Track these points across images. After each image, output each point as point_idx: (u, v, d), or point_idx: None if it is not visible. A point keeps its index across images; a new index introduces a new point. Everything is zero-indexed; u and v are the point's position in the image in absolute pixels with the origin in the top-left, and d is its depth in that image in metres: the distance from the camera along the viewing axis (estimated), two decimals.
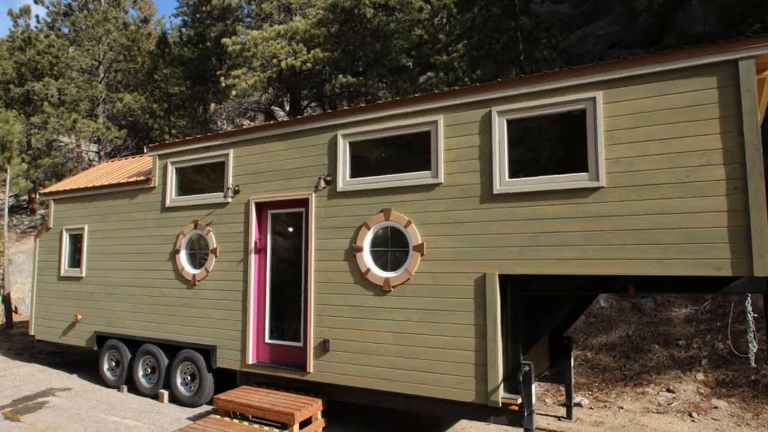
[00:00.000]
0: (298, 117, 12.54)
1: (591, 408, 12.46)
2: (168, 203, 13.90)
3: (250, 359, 12.10)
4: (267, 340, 12.18)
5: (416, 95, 10.64)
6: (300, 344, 11.68)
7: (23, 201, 38.67)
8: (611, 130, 8.53)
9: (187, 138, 14.12)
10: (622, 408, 12.30)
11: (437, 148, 10.05)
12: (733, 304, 14.80)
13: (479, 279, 9.46)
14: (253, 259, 12.30)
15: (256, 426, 10.59)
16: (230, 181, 12.74)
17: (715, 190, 7.83)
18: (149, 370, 13.98)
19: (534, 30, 25.64)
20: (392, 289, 10.34)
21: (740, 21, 21.08)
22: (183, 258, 13.49)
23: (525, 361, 9.27)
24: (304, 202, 11.73)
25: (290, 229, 12.22)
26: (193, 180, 13.75)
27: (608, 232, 8.44)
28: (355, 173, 11.12)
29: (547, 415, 12.15)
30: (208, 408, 12.62)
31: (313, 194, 11.47)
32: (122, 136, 33.53)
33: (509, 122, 9.45)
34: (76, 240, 16.26)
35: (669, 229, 8.05)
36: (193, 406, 12.86)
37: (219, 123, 41.26)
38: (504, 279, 9.44)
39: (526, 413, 9.00)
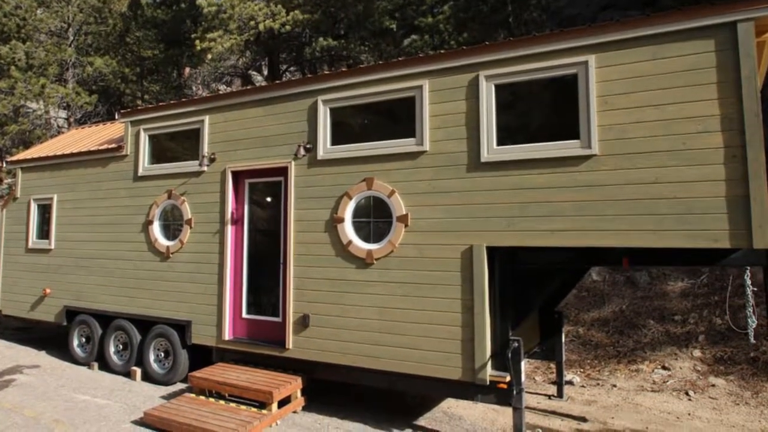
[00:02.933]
0: (277, 82, 12.50)
1: (583, 386, 12.55)
2: (141, 172, 13.82)
3: (227, 335, 12.09)
4: (244, 315, 12.19)
5: (400, 59, 10.60)
6: (279, 319, 11.70)
7: None
8: (604, 96, 8.50)
9: (160, 104, 14.04)
10: (615, 386, 12.38)
11: (422, 114, 10.01)
12: (731, 277, 14.88)
13: (466, 251, 9.45)
14: (229, 230, 12.28)
15: (232, 405, 10.60)
16: (206, 148, 12.67)
17: (712, 159, 7.81)
18: (121, 347, 13.97)
19: None
20: (375, 262, 10.34)
21: None
22: (156, 229, 13.43)
23: (514, 337, 9.31)
24: (283, 171, 11.70)
25: (268, 199, 12.17)
26: (166, 148, 13.68)
27: (601, 202, 8.43)
28: (336, 140, 11.07)
29: (537, 393, 12.21)
30: (183, 386, 12.62)
31: (293, 162, 11.42)
32: (93, 101, 33.07)
33: (497, 87, 9.42)
34: (45, 210, 16.19)
35: (664, 199, 8.04)
36: (166, 384, 12.86)
37: (194, 88, 40.93)
38: (492, 251, 9.43)
39: (515, 391, 9.03)
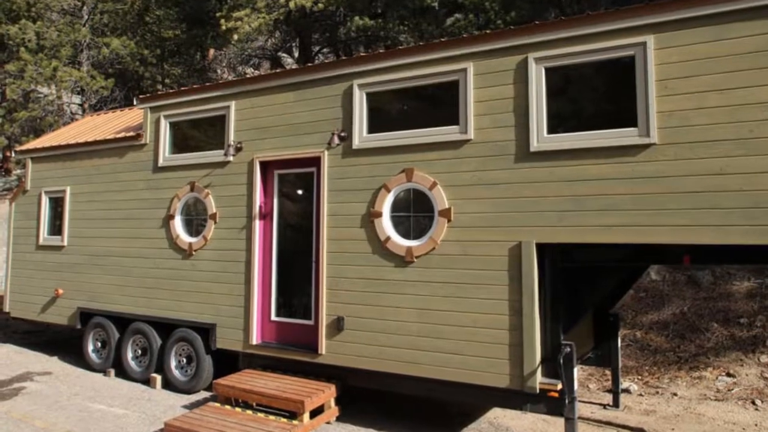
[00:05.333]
0: (309, 65, 12.61)
1: (641, 395, 12.59)
2: (161, 162, 13.96)
3: (254, 339, 12.21)
4: (273, 318, 12.31)
5: (442, 40, 10.70)
6: (310, 322, 11.81)
7: None
8: (664, 80, 8.53)
9: (182, 88, 14.21)
10: (675, 395, 12.42)
11: (466, 99, 10.08)
12: None
13: (514, 248, 9.51)
14: (257, 225, 12.39)
15: (260, 415, 10.66)
16: (231, 137, 12.80)
17: None
18: (140, 352, 14.12)
19: None
20: (415, 260, 10.41)
21: None
22: (178, 224, 13.57)
23: (566, 341, 9.34)
24: (316, 161, 11.79)
25: (300, 192, 12.31)
26: (189, 136, 13.83)
27: (660, 195, 8.45)
28: (373, 128, 11.16)
29: (591, 402, 12.28)
30: (207, 395, 12.75)
31: (326, 152, 11.53)
32: (109, 86, 33.15)
33: (548, 70, 9.47)
34: (57, 204, 16.36)
35: (729, 191, 8.04)
36: (189, 392, 13.00)
37: (219, 71, 41.07)
38: (542, 248, 9.47)
39: (567, 400, 9.06)
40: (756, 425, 10.92)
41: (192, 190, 13.31)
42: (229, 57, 41.59)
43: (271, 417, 10.54)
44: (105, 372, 14.58)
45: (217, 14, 30.16)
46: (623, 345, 14.33)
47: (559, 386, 9.11)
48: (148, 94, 14.81)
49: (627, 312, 15.95)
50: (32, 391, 13.25)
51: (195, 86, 13.87)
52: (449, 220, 10.13)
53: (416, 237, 10.55)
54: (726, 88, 8.13)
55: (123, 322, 14.40)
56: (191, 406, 12.06)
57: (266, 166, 12.51)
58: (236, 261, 12.56)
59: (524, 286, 9.33)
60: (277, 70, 13.15)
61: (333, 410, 11.07)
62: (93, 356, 15.00)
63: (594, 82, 9.41)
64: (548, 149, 9.30)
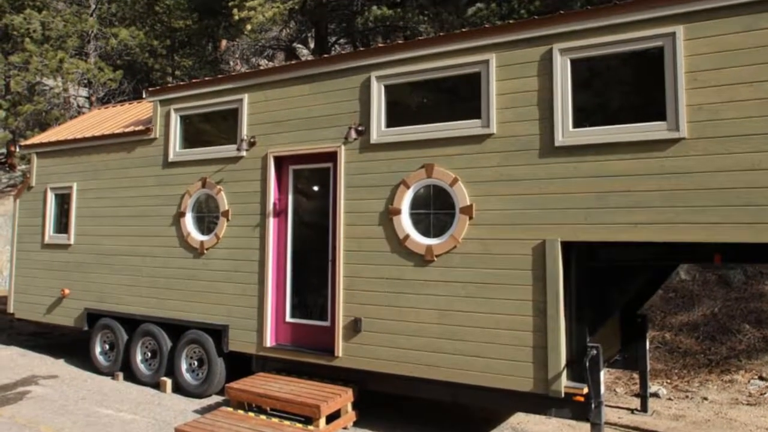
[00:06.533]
0: (325, 56, 12.64)
1: (670, 399, 12.61)
2: (171, 158, 14.02)
3: (268, 341, 12.26)
4: (288, 319, 12.36)
5: (464, 30, 10.73)
6: (327, 324, 11.84)
7: (0, 155, 38.79)
8: (693, 72, 8.52)
9: (193, 81, 14.25)
10: (706, 399, 12.44)
11: (488, 92, 10.10)
12: None
13: (538, 247, 9.53)
14: (271, 223, 12.43)
15: (275, 420, 10.67)
16: (244, 131, 12.84)
17: None
18: (149, 355, 14.20)
19: None
20: (435, 259, 10.44)
21: None
22: (189, 222, 13.62)
23: (592, 343, 9.36)
24: (332, 156, 11.82)
25: (315, 188, 12.36)
26: (200, 130, 13.89)
27: (690, 191, 8.44)
28: (391, 122, 11.18)
29: (618, 407, 12.30)
30: (219, 399, 12.81)
31: (343, 147, 11.56)
32: (117, 78, 33.34)
33: (573, 62, 9.47)
34: (63, 201, 16.42)
35: (762, 188, 8.03)
36: (200, 396, 13.05)
37: (231, 63, 41.06)
38: (567, 247, 9.49)
39: (593, 405, 9.07)
40: None
41: (203, 186, 13.36)
42: (242, 48, 41.53)
43: (286, 422, 10.55)
44: (113, 375, 14.64)
45: (230, 3, 30.07)
46: (652, 347, 14.32)
47: (585, 390, 9.13)
48: (157, 87, 14.86)
49: (655, 313, 15.97)
50: (37, 395, 13.30)
51: (207, 78, 13.96)
52: (471, 218, 10.14)
53: (436, 235, 10.57)
54: (757, 81, 8.11)
55: (132, 323, 14.44)
56: (203, 411, 12.12)
57: (280, 162, 12.56)
58: (249, 260, 12.59)
59: (549, 287, 9.36)
60: (292, 62, 13.22)
61: (350, 415, 11.11)
62: (100, 359, 15.07)
63: (621, 74, 9.44)
64: (574, 144, 9.30)
